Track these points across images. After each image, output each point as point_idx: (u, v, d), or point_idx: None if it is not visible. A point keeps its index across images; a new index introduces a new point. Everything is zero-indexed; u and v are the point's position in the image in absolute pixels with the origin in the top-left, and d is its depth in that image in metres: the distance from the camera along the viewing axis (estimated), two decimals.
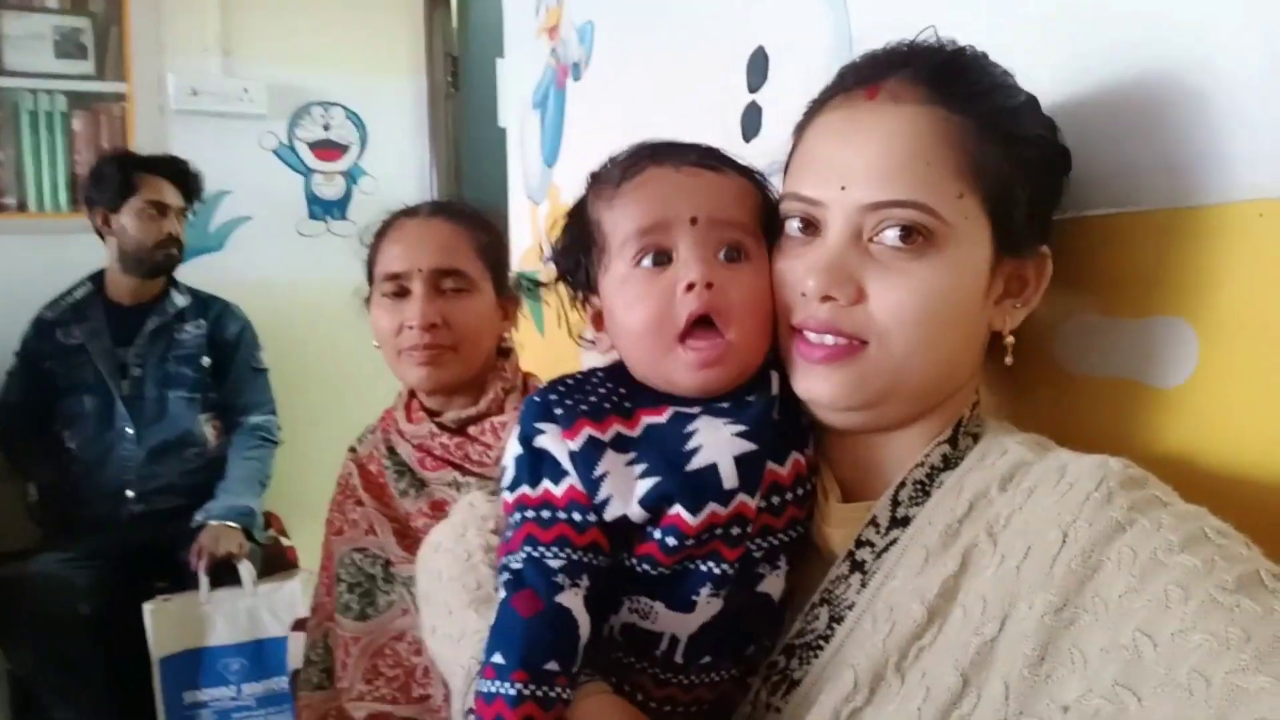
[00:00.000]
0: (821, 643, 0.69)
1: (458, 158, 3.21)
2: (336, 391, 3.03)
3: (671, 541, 0.69)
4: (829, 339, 0.68)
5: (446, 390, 1.27)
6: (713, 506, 0.68)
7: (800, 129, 0.75)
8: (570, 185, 1.88)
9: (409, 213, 1.29)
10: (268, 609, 2.21)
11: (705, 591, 0.71)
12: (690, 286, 0.70)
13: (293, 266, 3.09)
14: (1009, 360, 0.72)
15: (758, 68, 1.24)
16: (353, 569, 1.27)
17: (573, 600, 0.68)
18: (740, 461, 0.69)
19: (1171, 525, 0.56)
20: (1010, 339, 0.72)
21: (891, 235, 0.66)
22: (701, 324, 0.71)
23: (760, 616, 0.73)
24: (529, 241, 2.06)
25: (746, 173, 0.77)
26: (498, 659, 0.66)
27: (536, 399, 0.74)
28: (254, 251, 3.07)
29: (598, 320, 0.79)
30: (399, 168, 3.22)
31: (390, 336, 1.24)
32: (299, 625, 1.93)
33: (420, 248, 1.23)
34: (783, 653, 0.71)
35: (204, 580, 2.17)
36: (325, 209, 3.18)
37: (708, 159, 0.75)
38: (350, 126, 3.17)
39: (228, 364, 2.60)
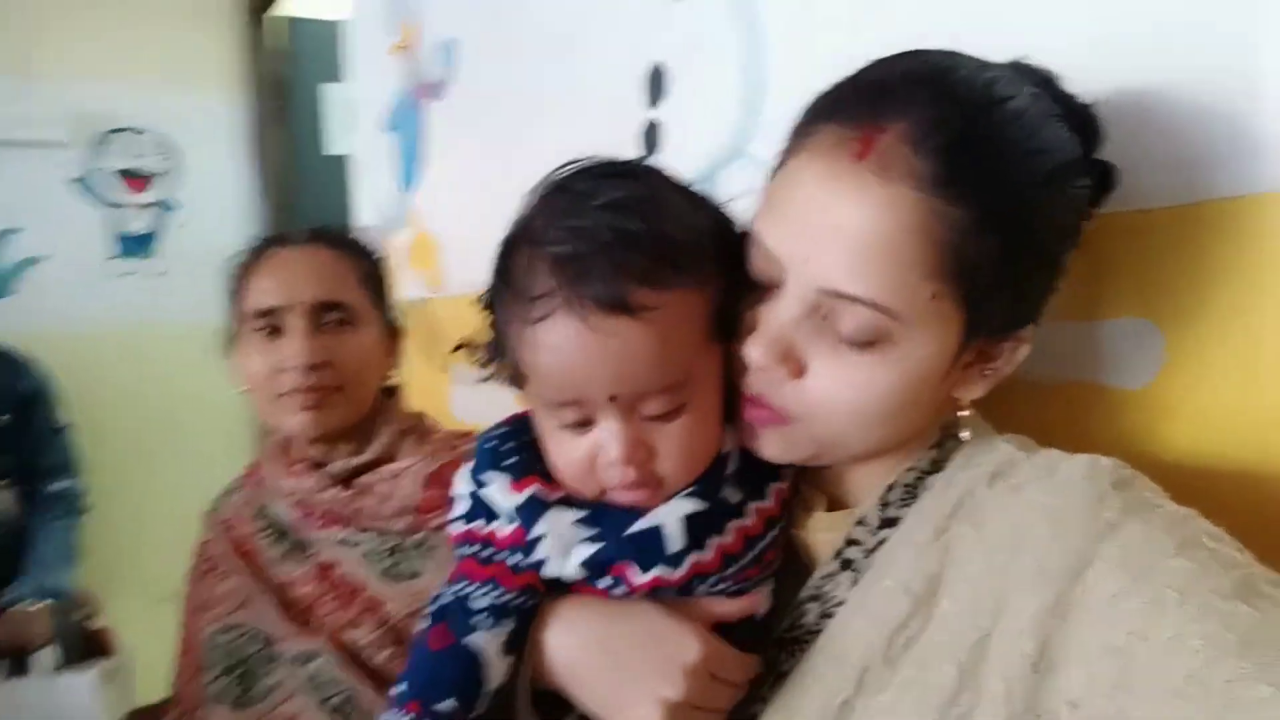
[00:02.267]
0: (810, 637, 0.68)
1: (286, 188, 2.98)
2: (151, 450, 2.77)
3: (619, 591, 0.67)
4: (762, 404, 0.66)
5: (330, 437, 1.13)
6: (658, 571, 0.65)
7: (788, 147, 0.66)
8: (434, 210, 1.77)
9: (280, 241, 1.15)
10: (72, 701, 1.94)
11: None
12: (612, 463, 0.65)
13: (97, 311, 2.80)
14: (965, 435, 0.68)
15: (655, 84, 1.19)
16: (224, 651, 1.10)
17: (486, 643, 0.67)
18: (691, 520, 0.66)
19: (1164, 528, 0.55)
20: (967, 412, 0.68)
21: (846, 326, 0.61)
22: None
23: (746, 632, 0.70)
24: None
25: (695, 265, 0.64)
26: (401, 688, 0.67)
27: (489, 446, 0.71)
28: (51, 295, 2.75)
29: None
30: (219, 199, 2.97)
31: (265, 380, 1.09)
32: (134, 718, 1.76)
33: (297, 279, 1.09)
34: (772, 646, 0.70)
35: None
36: (134, 246, 2.89)
37: (634, 282, 0.60)
38: (162, 154, 2.89)
39: (23, 423, 2.29)
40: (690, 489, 0.67)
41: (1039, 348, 0.77)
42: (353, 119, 2.13)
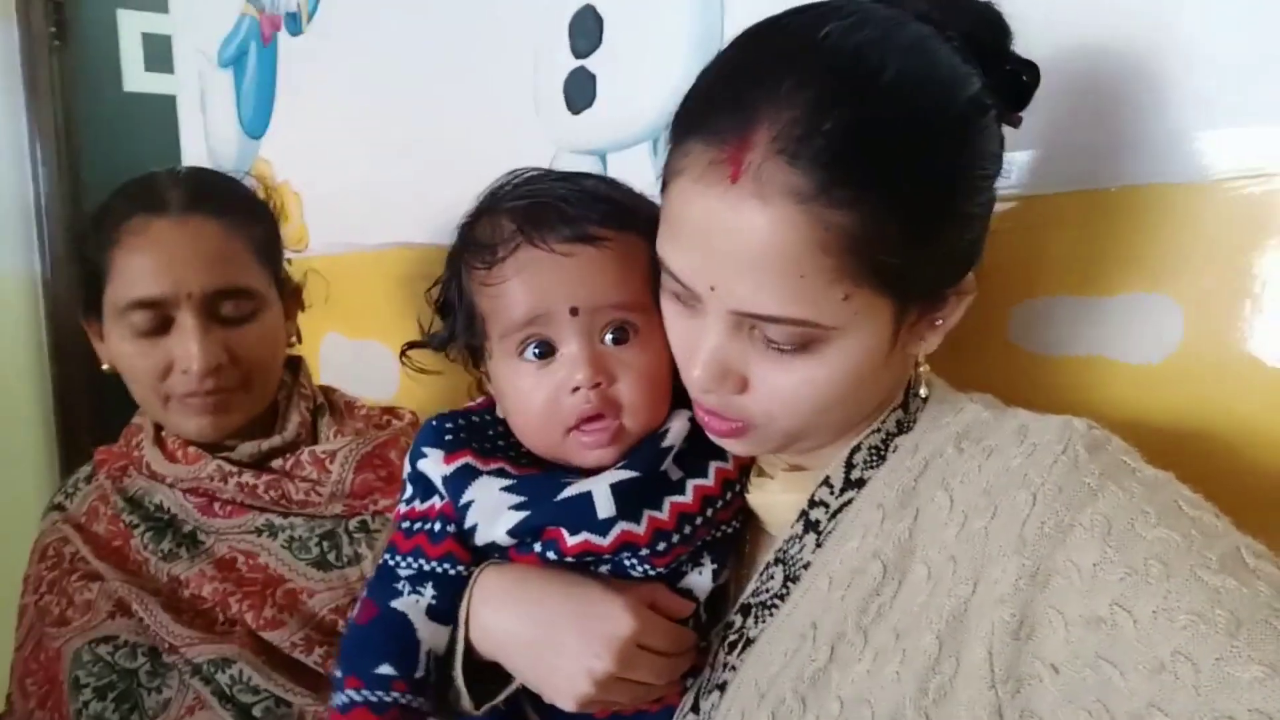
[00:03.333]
0: (777, 602, 0.67)
1: (68, 125, 2.60)
2: None
3: (551, 556, 0.68)
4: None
5: (233, 434, 0.99)
6: (586, 535, 0.67)
7: (667, 165, 0.61)
8: (290, 160, 1.59)
9: (152, 206, 0.93)
10: None
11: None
12: (578, 388, 0.68)
13: None
14: (924, 392, 0.67)
15: (585, 30, 1.11)
16: (99, 667, 0.94)
17: (409, 606, 0.69)
18: (618, 489, 0.67)
19: (1144, 495, 0.55)
20: (925, 368, 0.67)
21: (773, 337, 0.59)
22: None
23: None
24: None
25: (637, 222, 0.69)
26: (336, 673, 0.68)
27: (434, 423, 0.74)
28: None
29: (483, 381, 0.77)
30: None
31: (151, 380, 0.93)
32: None
33: (184, 262, 0.91)
34: (739, 612, 0.69)
35: None
36: None
37: (589, 223, 0.68)
38: None
39: None
40: (624, 463, 0.69)
41: (1052, 323, 0.78)
42: (174, 53, 1.88)
